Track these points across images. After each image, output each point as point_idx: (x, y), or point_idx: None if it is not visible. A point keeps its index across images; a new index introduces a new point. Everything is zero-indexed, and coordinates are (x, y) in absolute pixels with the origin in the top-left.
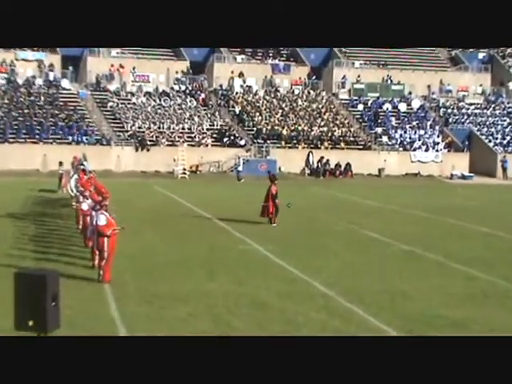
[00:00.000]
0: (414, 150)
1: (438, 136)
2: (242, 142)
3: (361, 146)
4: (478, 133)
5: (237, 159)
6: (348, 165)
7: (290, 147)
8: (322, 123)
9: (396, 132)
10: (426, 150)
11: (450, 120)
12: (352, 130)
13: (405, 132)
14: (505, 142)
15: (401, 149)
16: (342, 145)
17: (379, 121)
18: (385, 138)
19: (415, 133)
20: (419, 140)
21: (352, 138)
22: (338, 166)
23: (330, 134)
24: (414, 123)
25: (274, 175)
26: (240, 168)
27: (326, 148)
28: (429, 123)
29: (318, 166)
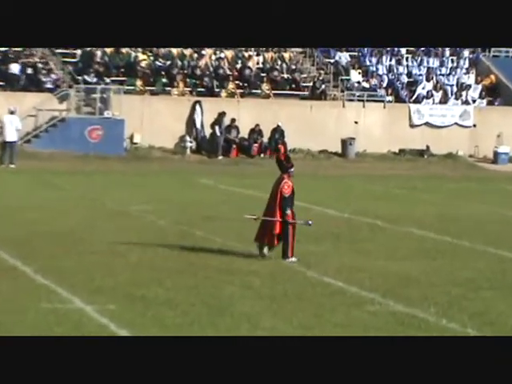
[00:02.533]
0: (418, 100)
1: (468, 72)
2: (51, 83)
3: (305, 92)
4: None
5: None
6: (277, 131)
7: (153, 93)
8: None
9: (379, 62)
10: (443, 101)
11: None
12: (287, 55)
13: (398, 62)
14: None
15: (389, 98)
16: (265, 88)
17: None
18: (355, 75)
19: (420, 64)
20: (428, 80)
21: (286, 75)
22: (255, 132)
23: (238, 65)
24: None
25: (287, 157)
26: None
27: (231, 95)
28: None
29: (213, 134)
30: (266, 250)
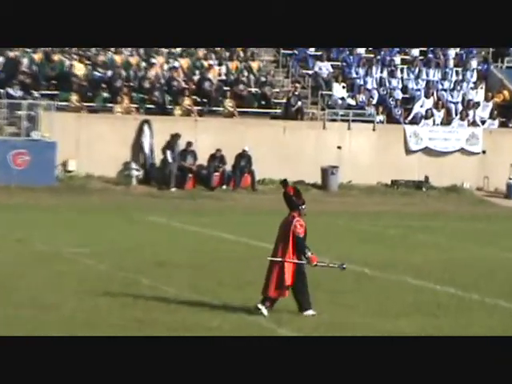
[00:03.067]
0: (415, 121)
1: (476, 87)
2: None
3: (277, 110)
4: None
5: None
6: (243, 157)
7: (92, 110)
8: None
9: (368, 74)
10: (446, 122)
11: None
12: (255, 65)
13: (391, 74)
14: None
15: (380, 118)
16: (228, 105)
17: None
18: (339, 90)
19: (417, 77)
20: (427, 96)
21: (254, 89)
22: (216, 158)
23: (196, 77)
24: (416, 52)
25: (297, 192)
26: None
27: (187, 113)
28: (452, 53)
29: (165, 160)
30: (264, 309)
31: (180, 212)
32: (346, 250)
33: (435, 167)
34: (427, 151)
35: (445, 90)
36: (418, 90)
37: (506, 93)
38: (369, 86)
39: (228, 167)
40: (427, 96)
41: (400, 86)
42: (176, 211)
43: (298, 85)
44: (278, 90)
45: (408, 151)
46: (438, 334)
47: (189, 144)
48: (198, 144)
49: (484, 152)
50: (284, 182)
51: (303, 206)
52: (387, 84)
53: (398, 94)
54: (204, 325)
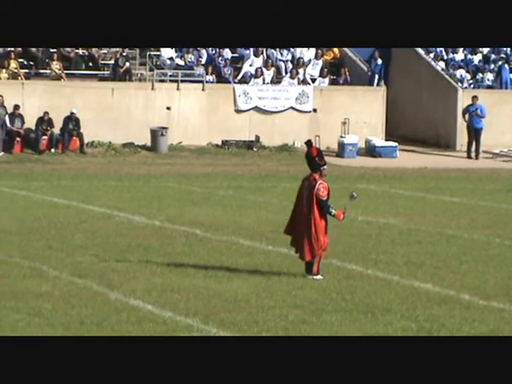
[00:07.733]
0: (244, 80)
1: None
2: None
3: (105, 72)
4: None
5: None
6: (72, 120)
7: None
8: None
9: None
10: (276, 80)
11: None
12: None
13: None
14: (475, 59)
15: (209, 78)
16: (56, 67)
17: None
18: (167, 50)
19: None
20: (256, 55)
21: (81, 51)
22: (44, 122)
23: None
24: None
25: (320, 153)
26: None
27: (13, 75)
28: None
29: None
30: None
31: (8, 177)
32: (177, 211)
33: (266, 127)
34: (257, 110)
35: (274, 49)
36: (248, 48)
37: (335, 50)
38: None
39: (56, 130)
40: (256, 55)
41: None
42: (4, 176)
43: None
44: (105, 51)
45: (238, 111)
46: (271, 295)
47: (16, 107)
48: (26, 107)
49: (315, 110)
50: (308, 143)
51: (325, 167)
52: None
53: (227, 54)
54: (34, 290)
